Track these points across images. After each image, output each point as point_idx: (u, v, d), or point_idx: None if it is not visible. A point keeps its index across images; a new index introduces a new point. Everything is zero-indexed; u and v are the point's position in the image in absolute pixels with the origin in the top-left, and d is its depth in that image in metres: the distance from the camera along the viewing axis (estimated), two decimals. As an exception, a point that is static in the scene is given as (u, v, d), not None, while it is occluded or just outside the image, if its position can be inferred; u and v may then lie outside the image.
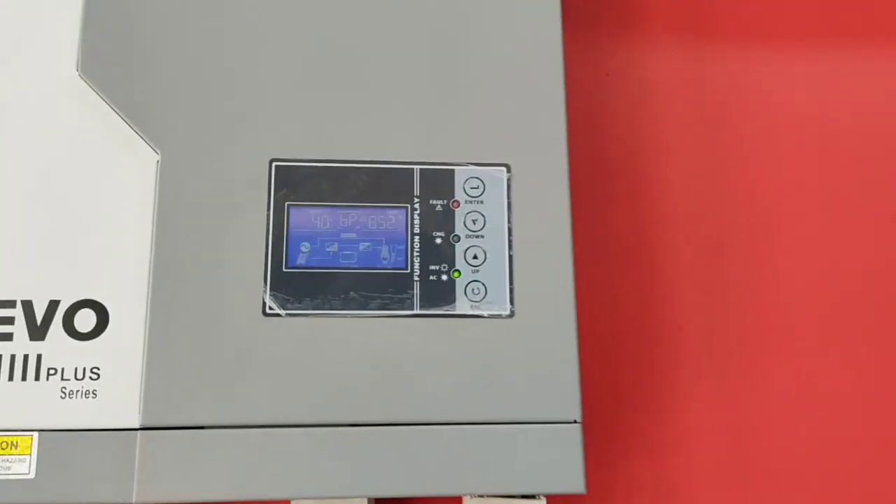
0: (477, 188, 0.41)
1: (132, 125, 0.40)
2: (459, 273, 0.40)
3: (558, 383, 0.39)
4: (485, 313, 0.39)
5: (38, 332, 0.38)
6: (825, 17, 0.58)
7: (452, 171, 0.41)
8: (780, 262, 0.52)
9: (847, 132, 0.55)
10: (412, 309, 0.39)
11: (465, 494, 0.40)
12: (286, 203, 0.40)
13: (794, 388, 0.50)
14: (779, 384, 0.50)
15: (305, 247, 0.40)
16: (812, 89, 0.56)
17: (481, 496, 0.41)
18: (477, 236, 0.41)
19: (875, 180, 0.54)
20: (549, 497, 0.41)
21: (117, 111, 0.41)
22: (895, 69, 0.57)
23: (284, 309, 0.39)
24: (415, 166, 0.41)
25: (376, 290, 0.40)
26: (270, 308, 0.39)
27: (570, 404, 0.39)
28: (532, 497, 0.42)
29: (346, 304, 0.39)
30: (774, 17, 0.57)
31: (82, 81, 0.41)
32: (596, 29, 0.56)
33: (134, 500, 0.36)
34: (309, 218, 0.40)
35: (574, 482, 0.38)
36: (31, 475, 0.37)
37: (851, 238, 0.53)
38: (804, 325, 0.51)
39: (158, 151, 0.40)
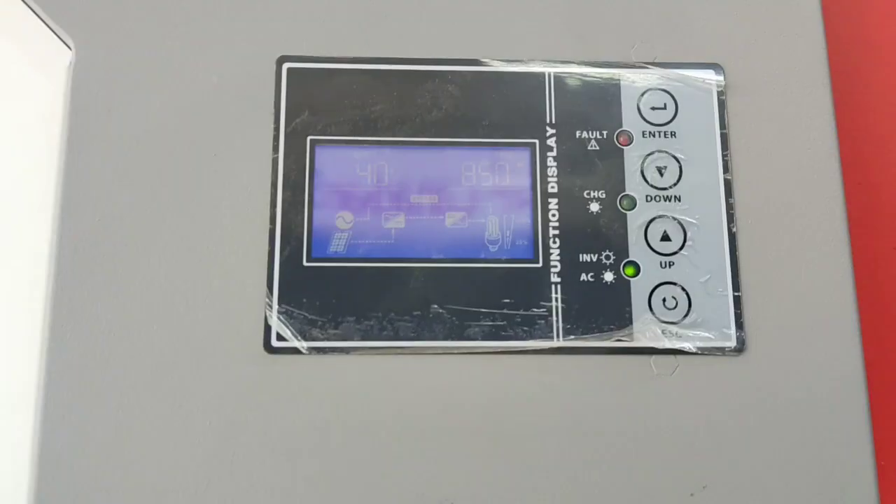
0: (663, 108, 0.22)
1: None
2: (636, 269, 0.21)
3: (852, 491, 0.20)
4: (689, 346, 0.20)
5: None
6: None
7: (618, 81, 0.22)
8: None
9: None
10: (549, 337, 0.20)
11: None
12: (308, 137, 0.21)
13: None
14: None
15: (345, 220, 0.21)
16: None
17: None
18: (667, 198, 0.21)
19: None
20: None
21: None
22: None
23: (305, 339, 0.20)
24: (547, 69, 0.22)
25: (480, 301, 0.21)
26: (279, 337, 0.20)
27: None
28: None
29: (424, 328, 0.20)
30: None
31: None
32: None
33: None
34: (350, 165, 0.21)
35: None
36: None
37: None
38: None
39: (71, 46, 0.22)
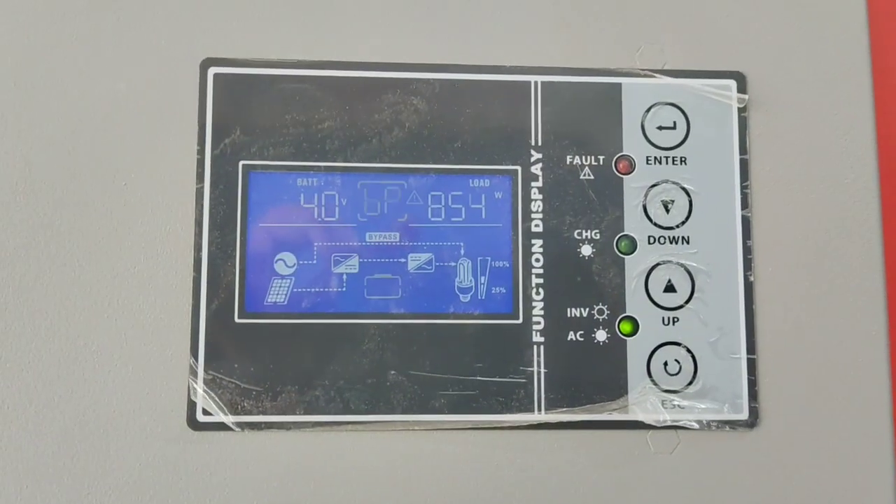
0: (672, 128, 0.18)
1: None
2: (634, 326, 0.18)
3: None
4: (693, 420, 0.17)
5: None
6: None
7: (619, 84, 0.18)
8: None
9: None
10: (530, 409, 0.17)
11: None
12: (240, 162, 0.18)
13: None
14: None
15: (286, 264, 0.17)
16: None
17: None
18: (673, 240, 0.18)
19: None
20: None
21: None
22: None
23: (236, 413, 0.17)
24: (533, 77, 0.18)
25: (448, 366, 0.17)
26: (206, 411, 0.17)
27: None
28: None
29: (380, 399, 0.17)
30: None
31: None
32: None
33: None
34: (292, 196, 0.17)
35: None
36: None
37: None
38: None
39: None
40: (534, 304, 0.18)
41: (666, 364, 0.18)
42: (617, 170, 0.18)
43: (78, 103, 0.18)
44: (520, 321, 0.18)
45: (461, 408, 0.17)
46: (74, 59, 0.18)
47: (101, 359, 0.17)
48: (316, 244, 0.18)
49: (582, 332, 0.18)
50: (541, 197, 0.18)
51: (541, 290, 0.18)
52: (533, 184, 0.18)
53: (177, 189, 0.18)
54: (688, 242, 0.18)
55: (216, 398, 0.17)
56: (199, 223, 0.18)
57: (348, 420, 0.17)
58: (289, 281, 0.18)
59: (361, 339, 0.18)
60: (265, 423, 0.17)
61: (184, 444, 0.17)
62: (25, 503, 0.17)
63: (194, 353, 0.17)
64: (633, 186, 0.18)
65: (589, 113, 0.19)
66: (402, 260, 0.18)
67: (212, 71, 0.18)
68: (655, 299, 0.18)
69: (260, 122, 0.18)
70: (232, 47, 0.18)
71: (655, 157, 0.19)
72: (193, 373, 0.17)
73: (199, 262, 0.18)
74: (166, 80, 0.18)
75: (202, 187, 0.18)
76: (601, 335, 0.18)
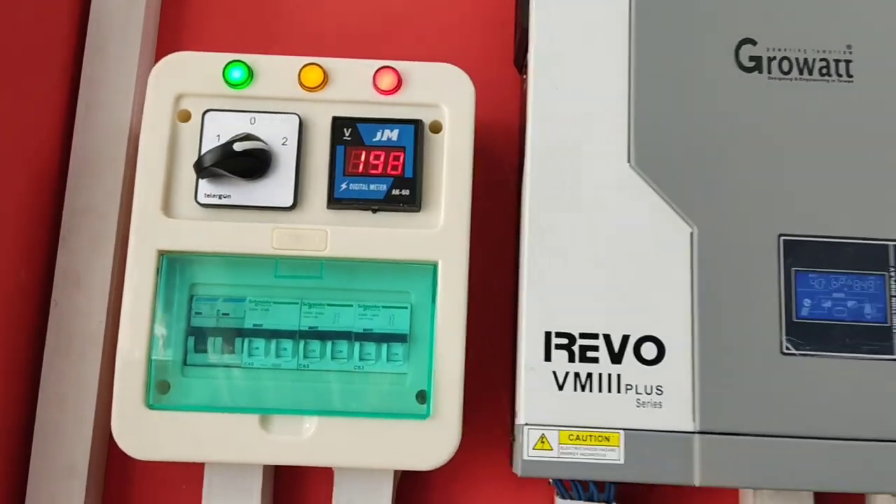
0: (941, 262, 0.53)
1: (672, 205, 0.54)
2: (929, 328, 0.52)
3: None
4: (956, 361, 0.52)
5: (616, 357, 0.52)
6: None
7: (920, 247, 0.53)
8: None
9: None
10: (891, 354, 0.52)
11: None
12: (793, 268, 0.53)
13: None
14: None
15: (807, 302, 0.53)
16: None
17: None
18: (941, 300, 0.53)
19: None
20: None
21: (660, 194, 0.54)
22: None
23: (798, 350, 0.52)
24: (890, 243, 0.53)
25: (862, 338, 0.52)
26: (787, 348, 0.52)
27: None
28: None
29: (840, 349, 0.52)
30: None
31: (634, 172, 0.54)
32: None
33: (696, 483, 0.51)
34: (809, 280, 0.53)
35: None
36: (621, 461, 0.51)
37: None
38: None
39: (693, 226, 0.54)
40: (893, 318, 0.52)
41: None
42: None
43: None
44: (888, 325, 0.52)
45: None
46: None
47: None
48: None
49: None
50: (894, 283, 0.53)
51: (894, 314, 0.52)
52: (891, 278, 0.53)
53: (769, 280, 0.53)
54: (946, 301, 0.53)
55: (791, 342, 0.52)
56: (779, 290, 0.53)
57: (830, 355, 0.52)
58: None
59: None
60: (810, 354, 0.52)
61: (778, 362, 0.52)
62: None
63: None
64: (926, 281, 0.53)
65: None
66: None
67: (781, 238, 0.54)
68: None
69: (802, 254, 0.54)
70: (792, 227, 0.54)
71: (933, 271, 0.53)
72: (782, 335, 0.52)
73: (779, 297, 0.53)
74: (759, 242, 0.54)
75: (779, 276, 0.53)
76: None
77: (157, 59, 0.60)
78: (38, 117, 0.57)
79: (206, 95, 0.55)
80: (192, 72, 0.56)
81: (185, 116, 0.55)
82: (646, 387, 0.52)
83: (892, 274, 0.53)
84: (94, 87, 0.59)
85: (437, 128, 0.57)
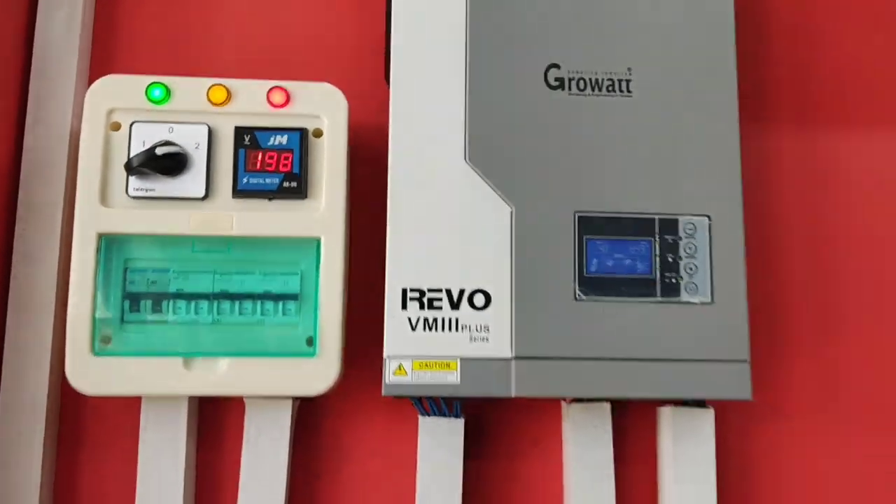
0: (693, 229, 0.72)
1: (497, 191, 0.72)
2: (681, 278, 0.71)
3: (735, 339, 0.70)
4: (698, 300, 0.71)
5: (454, 305, 0.70)
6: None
7: (676, 219, 0.72)
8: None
9: None
10: (655, 297, 0.71)
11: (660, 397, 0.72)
12: (584, 237, 0.71)
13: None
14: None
15: (595, 262, 0.71)
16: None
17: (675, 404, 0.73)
18: (691, 257, 0.72)
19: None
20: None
21: (488, 182, 0.72)
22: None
23: (587, 296, 0.71)
24: (655, 217, 0.72)
25: (636, 287, 0.71)
26: (579, 296, 0.71)
27: (741, 349, 0.70)
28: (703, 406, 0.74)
29: (618, 294, 0.71)
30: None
31: (468, 166, 0.72)
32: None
33: (513, 395, 0.69)
34: (596, 245, 0.71)
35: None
36: (458, 382, 0.69)
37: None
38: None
39: (512, 206, 0.71)
40: (656, 272, 0.71)
41: (688, 288, 0.71)
42: (677, 240, 0.72)
43: None
44: (653, 277, 0.71)
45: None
46: None
47: None
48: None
49: (669, 280, 0.72)
50: (658, 247, 0.72)
51: (657, 269, 0.71)
52: (655, 243, 0.72)
53: (566, 246, 0.71)
54: (695, 258, 0.72)
55: (582, 291, 0.71)
56: (574, 253, 0.71)
57: (611, 300, 0.71)
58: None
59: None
60: (595, 299, 0.71)
61: (572, 306, 0.70)
62: None
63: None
64: (682, 244, 0.72)
65: (669, 224, 0.72)
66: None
67: (576, 214, 0.72)
68: (686, 272, 0.72)
69: (592, 227, 0.72)
70: (585, 205, 0.72)
71: (686, 236, 0.72)
72: (575, 286, 0.71)
73: (574, 257, 0.71)
74: (560, 218, 0.72)
75: (575, 242, 0.71)
76: (672, 280, 0.71)
77: (91, 80, 0.75)
78: (-6, 128, 0.71)
79: (132, 110, 0.70)
80: (120, 91, 0.70)
81: (116, 127, 0.70)
82: (476, 326, 0.70)
83: (657, 240, 0.72)
84: (39, 103, 0.73)
85: (318, 133, 0.73)
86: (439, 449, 0.74)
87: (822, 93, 0.88)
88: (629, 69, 0.74)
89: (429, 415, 0.75)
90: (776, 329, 0.82)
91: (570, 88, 0.74)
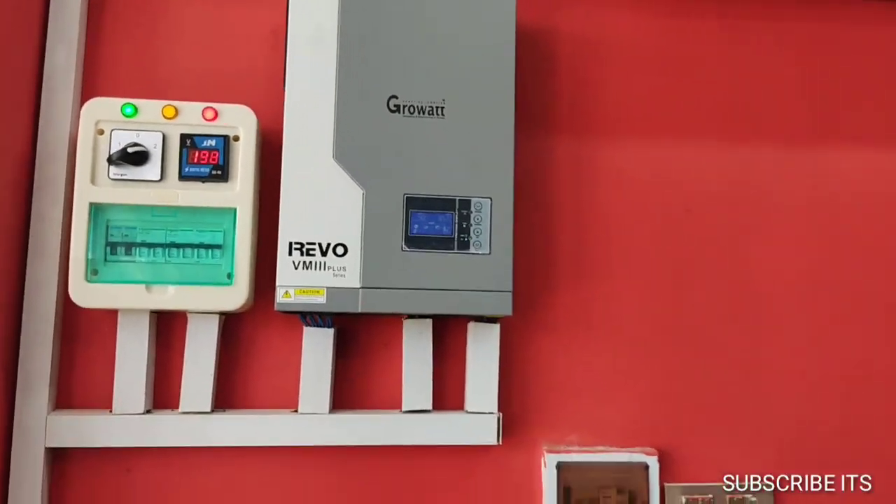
0: (480, 206, 1.11)
1: (354, 180, 1.10)
2: (471, 238, 1.10)
3: (503, 277, 1.10)
4: (481, 252, 1.10)
5: (324, 253, 1.08)
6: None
7: (469, 199, 1.11)
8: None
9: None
10: (453, 250, 1.10)
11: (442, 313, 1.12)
12: (410, 210, 1.10)
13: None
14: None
15: (416, 227, 1.10)
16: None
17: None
18: (478, 224, 1.11)
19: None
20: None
21: (348, 173, 1.10)
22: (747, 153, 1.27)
23: (410, 249, 1.09)
24: (455, 197, 1.11)
25: (442, 243, 1.10)
26: (404, 248, 1.09)
27: (507, 283, 1.10)
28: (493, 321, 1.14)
29: (432, 248, 1.10)
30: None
31: (335, 161, 1.10)
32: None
33: (360, 310, 1.08)
34: (418, 216, 1.10)
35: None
36: (325, 302, 1.08)
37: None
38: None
39: (363, 189, 1.10)
40: (455, 233, 1.10)
41: (476, 244, 1.10)
42: (469, 212, 1.11)
43: None
44: (453, 236, 1.10)
45: (444, 249, 1.10)
46: None
47: None
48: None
49: (463, 239, 1.10)
50: (457, 217, 1.10)
51: (456, 231, 1.10)
52: (455, 214, 1.11)
53: (398, 216, 1.10)
54: (481, 224, 1.11)
55: (408, 246, 1.09)
56: (403, 221, 1.10)
57: (426, 251, 1.10)
58: (417, 229, 1.10)
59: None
60: (415, 251, 1.09)
61: (399, 255, 1.09)
62: None
63: None
64: (474, 215, 1.11)
65: (465, 202, 1.11)
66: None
67: (405, 195, 1.10)
68: (475, 235, 1.11)
69: (415, 204, 1.10)
70: (412, 188, 1.10)
71: (476, 211, 1.11)
72: (402, 243, 1.09)
73: (404, 223, 1.10)
74: (397, 197, 1.10)
75: (404, 214, 1.10)
76: (465, 239, 1.10)
77: (83, 99, 1.11)
78: (16, 131, 1.07)
79: (112, 121, 1.07)
80: (104, 108, 1.07)
81: (101, 132, 1.07)
82: (337, 267, 1.09)
83: (456, 213, 1.11)
84: (49, 113, 1.09)
85: (237, 139, 1.11)
86: (317, 348, 1.13)
87: (588, 110, 1.27)
88: (444, 99, 1.12)
89: (310, 326, 1.14)
90: (547, 273, 1.23)
91: (404, 112, 1.12)
